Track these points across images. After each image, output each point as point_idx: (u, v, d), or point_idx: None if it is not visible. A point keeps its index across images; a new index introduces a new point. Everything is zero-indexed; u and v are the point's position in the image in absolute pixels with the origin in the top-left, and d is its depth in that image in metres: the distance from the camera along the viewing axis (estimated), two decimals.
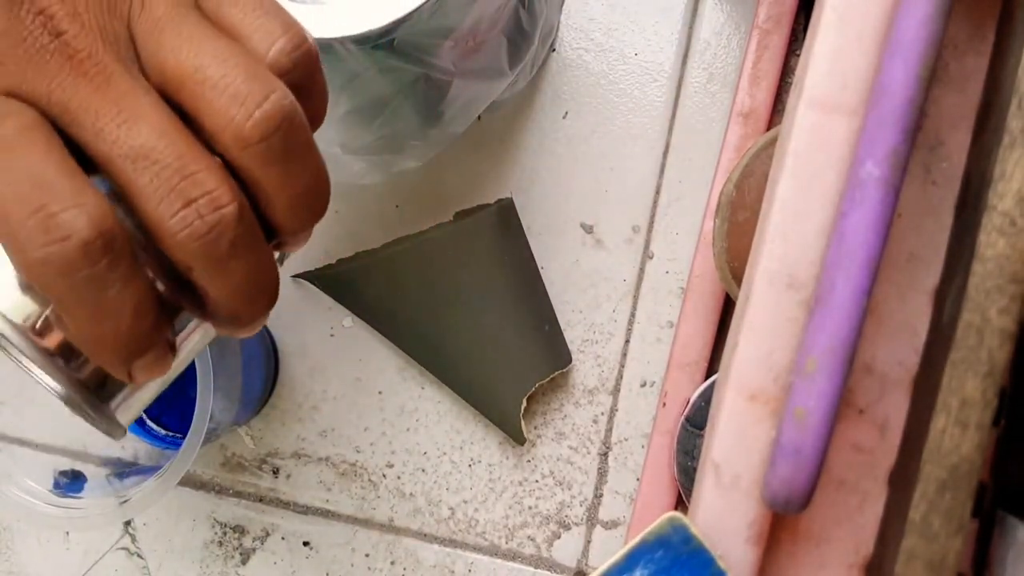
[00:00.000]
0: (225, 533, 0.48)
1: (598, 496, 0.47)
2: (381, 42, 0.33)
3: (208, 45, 0.23)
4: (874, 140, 0.26)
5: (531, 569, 0.47)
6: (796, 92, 0.30)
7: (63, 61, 0.23)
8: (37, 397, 0.49)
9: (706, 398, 0.43)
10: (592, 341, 0.47)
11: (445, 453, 0.47)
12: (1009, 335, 0.26)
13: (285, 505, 0.48)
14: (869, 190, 0.26)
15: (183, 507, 0.48)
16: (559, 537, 0.47)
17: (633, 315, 0.47)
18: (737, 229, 0.40)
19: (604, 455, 0.47)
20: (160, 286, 0.25)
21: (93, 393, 0.25)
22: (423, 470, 0.47)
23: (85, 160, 0.24)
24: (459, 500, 0.47)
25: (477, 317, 0.46)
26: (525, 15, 0.40)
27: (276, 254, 0.27)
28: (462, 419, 0.47)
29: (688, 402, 0.44)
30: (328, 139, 0.40)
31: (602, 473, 0.47)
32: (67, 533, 0.49)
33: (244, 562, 0.48)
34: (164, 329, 0.24)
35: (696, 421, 0.43)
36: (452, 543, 0.47)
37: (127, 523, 0.49)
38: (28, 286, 0.24)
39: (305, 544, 0.48)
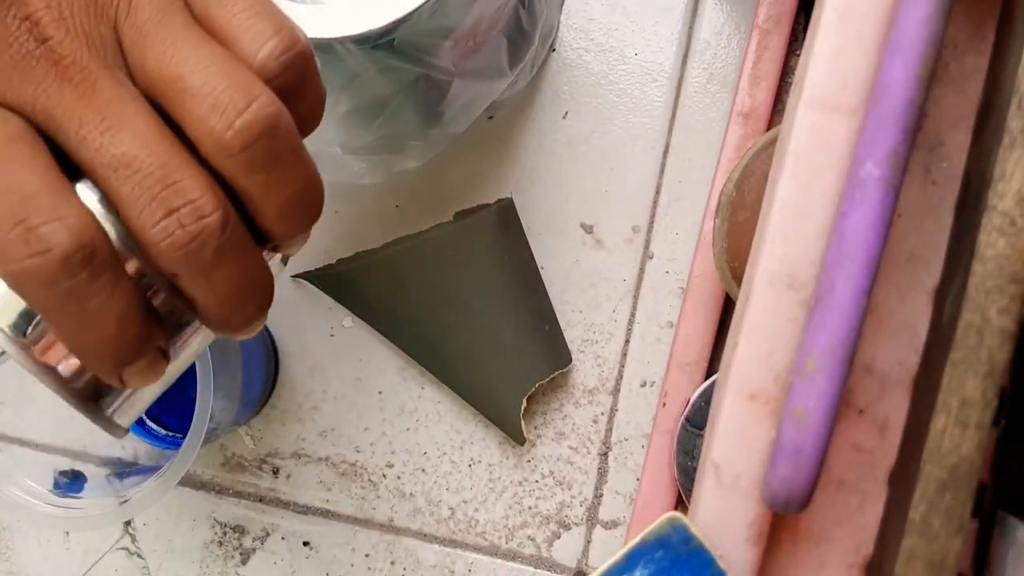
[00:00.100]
0: (225, 533, 0.48)
1: (598, 496, 0.47)
2: (381, 42, 0.33)
3: (191, 51, 0.23)
4: (874, 140, 0.26)
5: (531, 569, 0.47)
6: (796, 92, 0.30)
7: (48, 67, 0.23)
8: (37, 397, 0.49)
9: (706, 398, 0.43)
10: (592, 341, 0.47)
11: (445, 453, 0.47)
12: (1009, 335, 0.26)
13: (285, 505, 0.48)
14: (869, 190, 0.26)
15: (183, 507, 0.48)
16: (559, 537, 0.47)
17: (633, 315, 0.47)
18: (737, 229, 0.40)
19: (604, 455, 0.47)
20: (156, 291, 0.25)
21: (89, 399, 0.25)
22: (423, 470, 0.47)
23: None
24: (459, 500, 0.47)
25: (477, 317, 0.46)
26: (525, 15, 0.40)
27: (278, 256, 0.27)
28: (462, 419, 0.47)
29: (688, 402, 0.44)
30: (328, 139, 0.40)
31: (602, 473, 0.47)
32: (67, 533, 0.49)
33: (244, 562, 0.48)
34: (154, 336, 0.24)
35: (696, 421, 0.43)
36: (452, 543, 0.47)
37: (127, 523, 0.49)
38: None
39: (305, 544, 0.48)
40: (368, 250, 0.47)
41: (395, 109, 0.38)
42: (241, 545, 0.48)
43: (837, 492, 0.30)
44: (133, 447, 0.48)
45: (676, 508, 0.45)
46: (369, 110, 0.38)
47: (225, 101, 0.23)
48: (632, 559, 0.28)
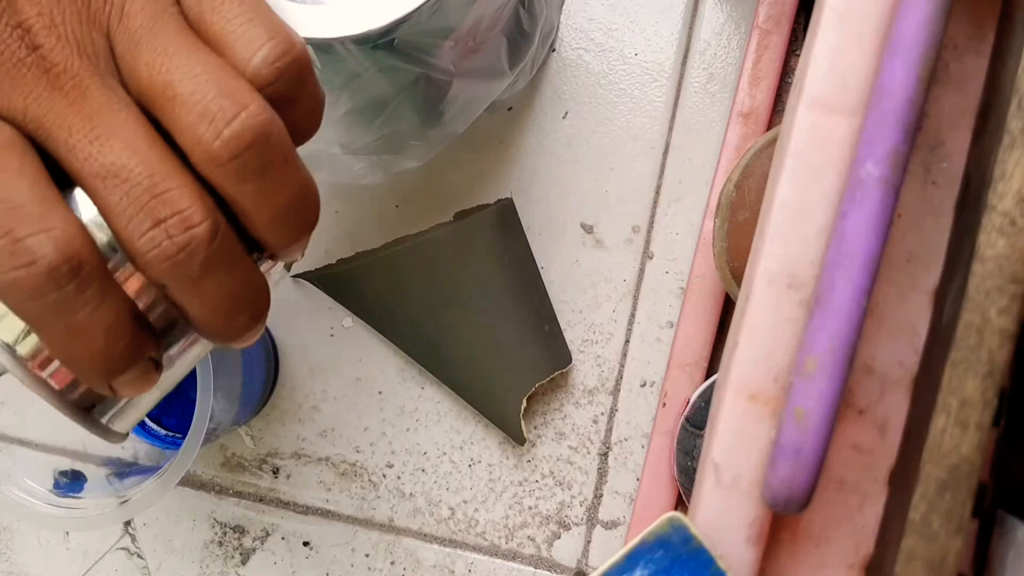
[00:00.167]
0: (225, 533, 0.48)
1: (598, 496, 0.47)
2: (381, 42, 0.33)
3: (181, 59, 0.23)
4: (874, 140, 0.26)
5: (531, 569, 0.47)
6: (796, 92, 0.30)
7: (39, 75, 0.23)
8: (37, 397, 0.49)
9: (706, 398, 0.43)
10: (592, 341, 0.47)
11: (445, 453, 0.47)
12: (1009, 335, 0.26)
13: (285, 505, 0.48)
14: (869, 190, 0.26)
15: (183, 507, 0.48)
16: (559, 537, 0.47)
17: (633, 315, 0.47)
18: (737, 229, 0.40)
19: (604, 455, 0.47)
20: (153, 301, 0.24)
21: (84, 409, 0.25)
22: (423, 470, 0.47)
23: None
24: (459, 500, 0.47)
25: (477, 317, 0.46)
26: (525, 15, 0.40)
27: (279, 264, 0.27)
28: (462, 419, 0.47)
29: (688, 402, 0.44)
30: (328, 139, 0.40)
31: (602, 473, 0.47)
32: (67, 533, 0.49)
33: (244, 562, 0.48)
34: (146, 347, 0.24)
35: (696, 421, 0.43)
36: (452, 543, 0.47)
37: (127, 523, 0.49)
38: None
39: (305, 544, 0.48)
40: (368, 250, 0.47)
41: (395, 109, 0.38)
42: (241, 545, 0.48)
43: (837, 492, 0.30)
44: (133, 447, 0.48)
45: (676, 508, 0.45)
46: (369, 110, 0.38)
47: (214, 110, 0.22)
48: (632, 559, 0.28)
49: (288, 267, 0.28)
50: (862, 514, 0.30)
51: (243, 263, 0.24)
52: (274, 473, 0.48)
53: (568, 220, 0.47)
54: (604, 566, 0.28)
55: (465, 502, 0.47)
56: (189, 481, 0.49)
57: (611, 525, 0.47)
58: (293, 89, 0.24)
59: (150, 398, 0.27)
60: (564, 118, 0.47)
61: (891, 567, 0.26)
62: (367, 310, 0.47)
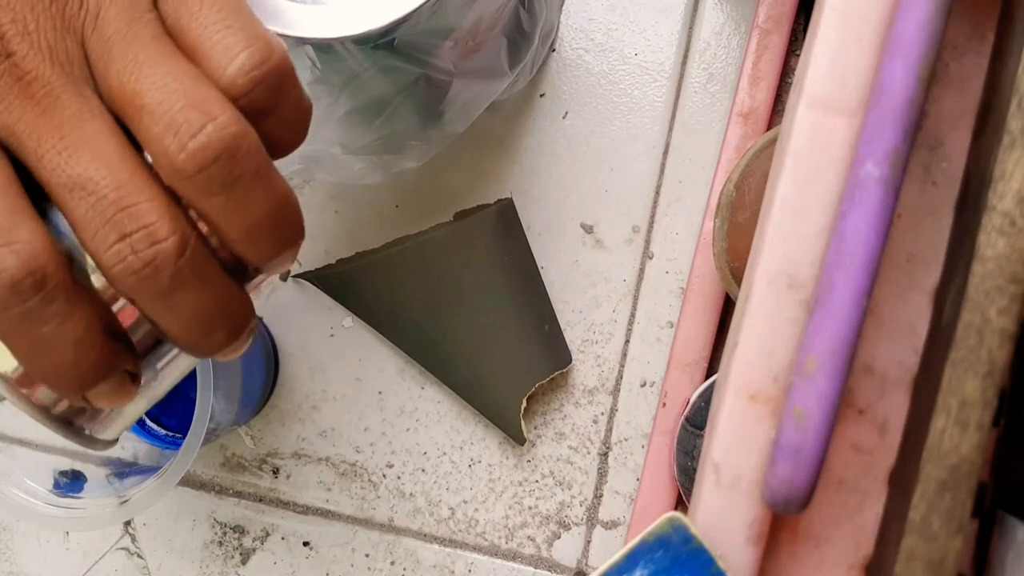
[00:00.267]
0: (225, 533, 0.48)
1: (598, 496, 0.47)
2: (381, 42, 0.33)
3: (152, 67, 0.22)
4: (874, 140, 0.26)
5: (531, 569, 0.47)
6: (796, 92, 0.30)
7: (11, 83, 0.22)
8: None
9: (706, 398, 0.43)
10: (592, 341, 0.47)
11: (445, 453, 0.47)
12: (1009, 335, 0.26)
13: (285, 505, 0.48)
14: (869, 190, 0.26)
15: (183, 507, 0.48)
16: (559, 537, 0.47)
17: (633, 315, 0.47)
18: (737, 229, 0.40)
19: (604, 455, 0.47)
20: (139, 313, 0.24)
21: (67, 422, 0.25)
22: (423, 470, 0.47)
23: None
24: (459, 500, 0.47)
25: (477, 317, 0.46)
26: (525, 15, 0.40)
27: (270, 277, 0.26)
28: (462, 419, 0.47)
29: (688, 402, 0.44)
30: (328, 139, 0.40)
31: (602, 473, 0.47)
32: (67, 533, 0.49)
33: (244, 562, 0.48)
34: (120, 360, 0.24)
35: (696, 421, 0.43)
36: (452, 543, 0.47)
37: (127, 523, 0.49)
38: None
39: (305, 544, 0.48)
40: (368, 250, 0.47)
41: (395, 109, 0.38)
42: (241, 545, 0.48)
43: (837, 492, 0.30)
44: (133, 447, 0.48)
45: (676, 508, 0.45)
46: (369, 110, 0.38)
47: (180, 121, 0.22)
48: (632, 559, 0.28)
49: (284, 278, 0.27)
50: (862, 514, 0.30)
51: (217, 279, 0.23)
52: (274, 473, 0.48)
53: (568, 220, 0.47)
54: (604, 566, 0.28)
55: (465, 502, 0.47)
56: (189, 481, 0.49)
57: (611, 525, 0.47)
58: (271, 100, 0.23)
59: (136, 408, 0.27)
60: (564, 118, 0.47)
61: (891, 567, 0.26)
62: (367, 310, 0.47)
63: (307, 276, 0.47)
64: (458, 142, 0.44)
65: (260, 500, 0.48)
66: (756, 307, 0.29)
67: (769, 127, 0.45)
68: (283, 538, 0.48)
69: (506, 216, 0.47)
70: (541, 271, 0.47)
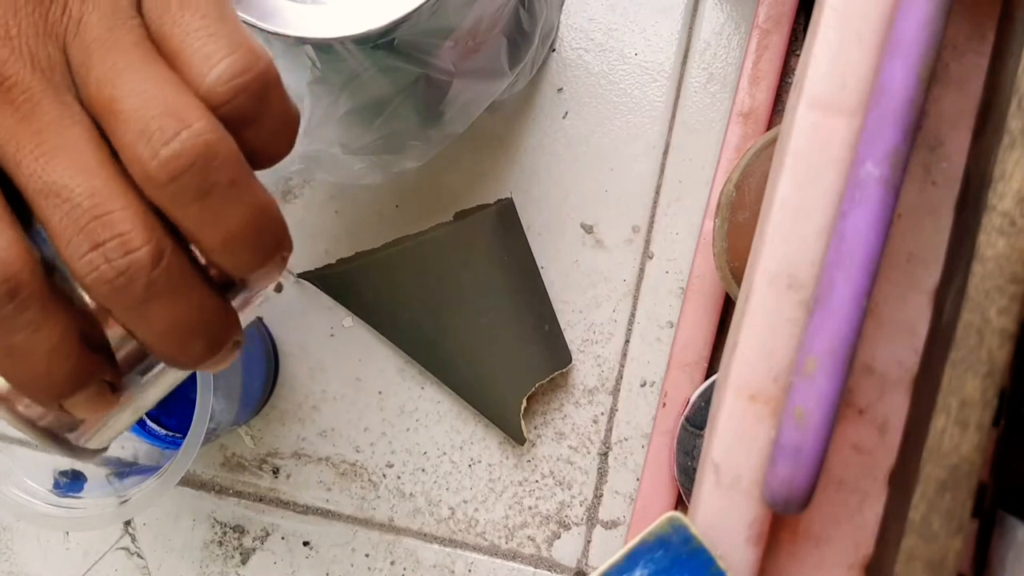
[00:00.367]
0: (225, 533, 0.48)
1: (598, 496, 0.47)
2: (381, 42, 0.33)
3: (130, 74, 0.22)
4: (874, 140, 0.26)
5: (531, 569, 0.47)
6: (796, 92, 0.30)
7: None
8: None
9: (706, 398, 0.43)
10: (592, 341, 0.47)
11: (445, 453, 0.47)
12: (1009, 335, 0.26)
13: (285, 505, 0.48)
14: (869, 190, 0.26)
15: (183, 507, 0.48)
16: (559, 537, 0.47)
17: (633, 315, 0.47)
18: (737, 229, 0.40)
19: (604, 455, 0.47)
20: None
21: (51, 433, 0.25)
22: (423, 470, 0.47)
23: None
24: (459, 500, 0.47)
25: (477, 317, 0.46)
26: (525, 15, 0.40)
27: (268, 290, 0.26)
28: (462, 419, 0.47)
29: (688, 402, 0.44)
30: (328, 139, 0.40)
31: (602, 473, 0.47)
32: (67, 533, 0.49)
33: (244, 562, 0.48)
34: (96, 369, 0.23)
35: (696, 421, 0.43)
36: (452, 543, 0.47)
37: (127, 523, 0.49)
38: None
39: (305, 544, 0.48)
40: (368, 250, 0.47)
41: (395, 109, 0.38)
42: (241, 545, 0.48)
43: (837, 492, 0.30)
44: (133, 447, 0.48)
45: (676, 508, 0.45)
46: (369, 110, 0.38)
47: (154, 128, 0.21)
48: (632, 559, 0.28)
49: (278, 289, 0.27)
50: (862, 514, 0.30)
51: (196, 290, 0.23)
52: (274, 473, 0.48)
53: (568, 220, 0.47)
54: (604, 566, 0.28)
55: (465, 502, 0.47)
56: (189, 481, 0.49)
57: (611, 525, 0.47)
58: (254, 109, 0.23)
59: (122, 418, 0.26)
60: (564, 118, 0.47)
61: (891, 567, 0.26)
62: (367, 310, 0.47)
63: (307, 276, 0.47)
64: (458, 142, 0.44)
65: (260, 500, 0.48)
66: (756, 307, 0.29)
67: (769, 127, 0.45)
68: (283, 538, 0.48)
69: (506, 216, 0.47)
70: (541, 271, 0.47)
